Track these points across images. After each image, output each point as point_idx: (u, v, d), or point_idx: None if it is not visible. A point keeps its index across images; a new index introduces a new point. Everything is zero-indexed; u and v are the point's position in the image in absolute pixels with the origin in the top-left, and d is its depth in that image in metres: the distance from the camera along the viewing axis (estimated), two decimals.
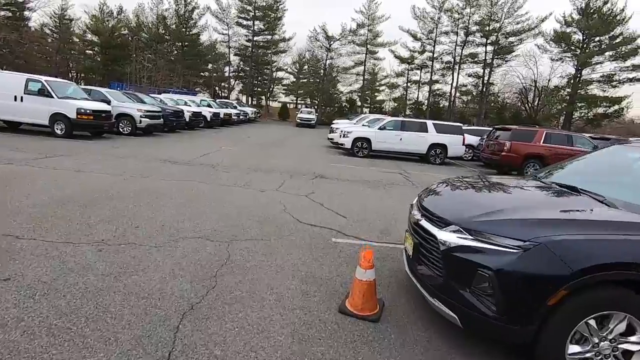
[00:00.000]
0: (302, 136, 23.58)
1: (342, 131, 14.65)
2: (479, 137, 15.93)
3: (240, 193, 6.32)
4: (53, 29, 44.98)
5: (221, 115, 24.54)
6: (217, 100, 33.46)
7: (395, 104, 49.61)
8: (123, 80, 34.84)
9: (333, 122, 24.26)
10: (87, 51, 43.12)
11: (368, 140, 14.22)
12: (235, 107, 31.75)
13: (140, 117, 14.20)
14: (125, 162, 8.34)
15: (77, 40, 43.81)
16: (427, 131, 14.25)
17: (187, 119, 19.43)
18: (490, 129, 14.79)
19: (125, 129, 14.25)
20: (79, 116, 11.54)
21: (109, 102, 13.97)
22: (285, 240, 4.26)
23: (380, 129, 14.23)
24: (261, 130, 25.51)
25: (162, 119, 15.69)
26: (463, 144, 14.38)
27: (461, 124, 14.75)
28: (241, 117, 29.94)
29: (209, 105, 24.73)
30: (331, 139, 17.07)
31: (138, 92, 20.92)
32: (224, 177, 7.63)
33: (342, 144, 14.56)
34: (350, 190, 7.49)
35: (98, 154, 9.08)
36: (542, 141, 11.61)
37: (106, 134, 13.44)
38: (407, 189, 8.25)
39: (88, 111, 11.71)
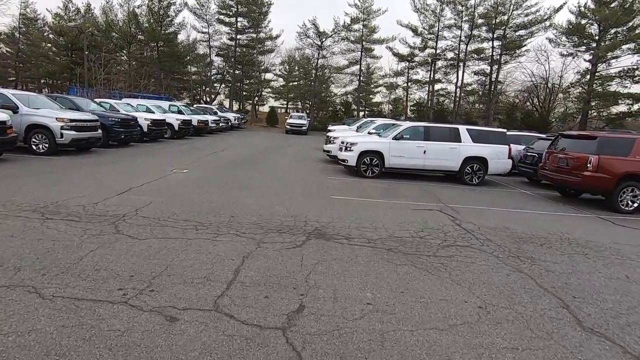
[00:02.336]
0: (291, 146, 19.62)
1: (344, 143, 10.72)
2: (522, 146, 12.14)
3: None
4: (20, 31, 40.66)
5: (194, 123, 20.55)
6: (194, 106, 29.50)
7: (391, 106, 45.95)
8: (90, 84, 30.70)
9: (328, 128, 20.38)
10: (50, 53, 38.68)
11: (380, 155, 10.32)
12: (215, 113, 27.85)
13: (62, 129, 10.12)
14: None
15: (43, 42, 39.51)
16: (460, 140, 10.40)
17: (146, 129, 15.44)
18: (548, 135, 11.00)
19: (40, 146, 10.17)
20: None
21: (15, 110, 9.94)
22: None
23: (395, 138, 10.35)
24: (243, 140, 21.52)
25: (99, 130, 11.63)
26: (509, 157, 10.54)
27: (505, 130, 10.95)
28: (221, 124, 25.95)
29: (179, 112, 20.73)
30: (328, 151, 13.15)
31: (81, 97, 16.93)
32: (117, 255, 3.64)
33: (344, 161, 10.63)
34: (381, 280, 3.55)
35: None
36: None
37: (5, 155, 9.37)
38: (483, 261, 4.32)
39: None
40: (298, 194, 7.49)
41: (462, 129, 10.57)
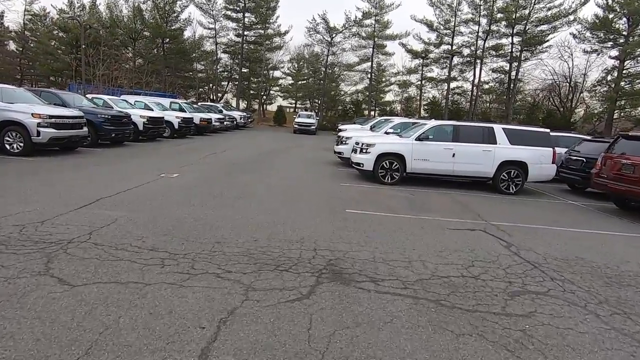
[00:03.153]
0: (298, 147, 18.27)
1: (359, 144, 9.32)
2: (564, 149, 10.58)
3: None
4: (26, 28, 40.06)
5: (196, 122, 19.36)
6: (199, 103, 28.41)
7: (403, 105, 44.18)
8: (88, 80, 29.82)
9: (339, 127, 18.99)
10: (59, 50, 37.90)
11: (401, 158, 8.89)
12: (220, 111, 26.71)
13: (39, 126, 8.92)
14: None
15: (49, 39, 38.76)
16: (495, 141, 8.91)
17: (142, 127, 14.26)
18: (595, 136, 9.44)
19: (15, 145, 8.98)
20: None
21: None
22: None
23: (419, 139, 8.90)
24: (247, 140, 20.25)
25: (84, 128, 10.43)
26: (553, 161, 9.01)
27: (548, 130, 9.41)
28: (226, 123, 24.74)
29: (180, 109, 19.55)
30: (339, 153, 11.75)
31: (78, 92, 15.89)
32: (20, 320, 2.30)
33: (359, 164, 9.23)
34: None
35: None
36: None
37: None
38: (580, 324, 2.89)
39: None
40: (305, 206, 6.11)
41: (498, 128, 9.06)
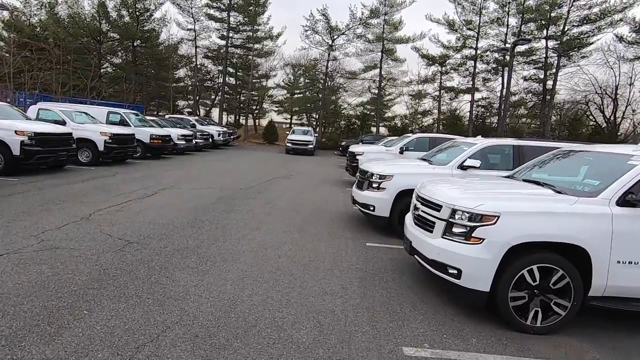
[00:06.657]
0: (290, 178, 12.26)
1: (441, 207, 3.32)
2: None
3: None
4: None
5: (144, 140, 13.52)
6: (167, 116, 22.70)
7: (408, 120, 38.31)
8: (48, 90, 24.02)
9: (349, 148, 13.01)
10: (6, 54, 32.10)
11: (575, 256, 2.94)
12: (193, 126, 20.94)
13: None
14: None
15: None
16: None
17: (19, 152, 8.40)
18: None
19: None
20: None
21: None
22: None
23: (627, 200, 2.98)
24: (216, 166, 14.29)
25: None
26: None
27: None
28: (197, 141, 18.87)
29: (121, 122, 13.70)
30: (368, 207, 5.80)
31: None
32: None
33: (444, 269, 3.22)
34: None
35: None
36: None
37: None
38: None
39: None
40: None
41: None
